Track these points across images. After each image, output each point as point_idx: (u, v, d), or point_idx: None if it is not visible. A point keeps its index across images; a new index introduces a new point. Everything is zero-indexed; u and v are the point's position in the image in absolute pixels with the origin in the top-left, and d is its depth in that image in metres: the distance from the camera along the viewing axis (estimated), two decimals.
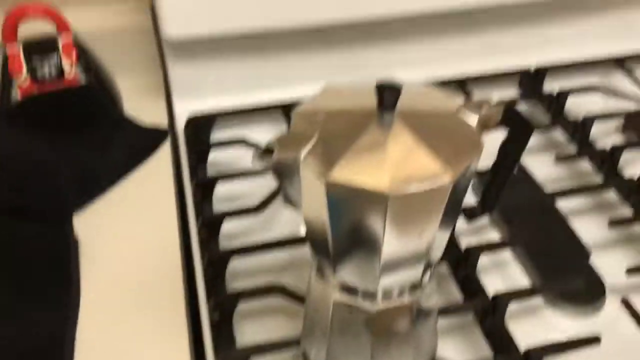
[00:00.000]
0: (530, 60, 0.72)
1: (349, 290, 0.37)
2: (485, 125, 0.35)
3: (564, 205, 0.57)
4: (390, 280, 0.36)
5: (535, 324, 0.50)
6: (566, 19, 0.74)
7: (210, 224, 0.54)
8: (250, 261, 0.52)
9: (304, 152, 0.32)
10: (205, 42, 0.64)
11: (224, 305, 0.48)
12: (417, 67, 0.69)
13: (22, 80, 0.62)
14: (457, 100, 0.35)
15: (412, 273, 0.36)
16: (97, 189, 0.59)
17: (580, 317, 0.50)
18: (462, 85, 0.68)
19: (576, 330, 0.48)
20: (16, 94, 0.62)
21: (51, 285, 0.50)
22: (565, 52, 0.73)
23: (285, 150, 0.32)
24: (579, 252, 0.53)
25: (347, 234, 0.34)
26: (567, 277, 0.52)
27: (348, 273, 0.36)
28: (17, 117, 0.60)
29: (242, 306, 0.48)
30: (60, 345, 0.46)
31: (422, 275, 0.37)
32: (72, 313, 0.48)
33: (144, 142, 0.64)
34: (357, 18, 0.64)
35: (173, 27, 0.61)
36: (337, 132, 0.33)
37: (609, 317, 0.50)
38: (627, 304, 0.48)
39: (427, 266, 0.36)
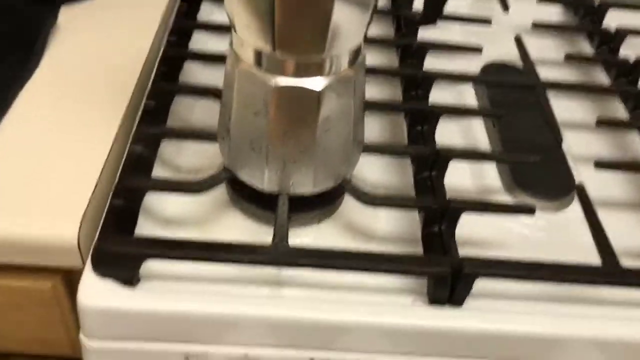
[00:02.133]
0: None
1: (254, 56, 0.35)
2: None
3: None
4: (289, 40, 0.33)
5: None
6: None
7: (180, 31, 0.53)
8: (209, 73, 0.51)
9: None
10: None
11: (161, 96, 0.47)
12: None
13: None
14: None
15: (316, 39, 0.33)
16: None
17: (545, 211, 0.46)
18: None
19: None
20: None
21: (13, 46, 0.51)
22: None
23: None
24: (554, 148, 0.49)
25: None
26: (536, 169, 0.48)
27: (244, 23, 0.34)
28: None
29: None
30: None
31: (327, 45, 0.34)
32: (22, 76, 0.49)
33: None
34: None
35: None
36: None
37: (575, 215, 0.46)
38: (581, 191, 0.43)
39: (333, 37, 0.33)
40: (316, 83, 0.35)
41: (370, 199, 0.41)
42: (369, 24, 0.36)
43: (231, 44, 0.38)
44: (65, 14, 0.57)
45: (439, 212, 0.40)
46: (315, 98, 0.36)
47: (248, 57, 0.36)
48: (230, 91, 0.38)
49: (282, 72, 0.35)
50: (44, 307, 0.45)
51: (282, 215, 0.38)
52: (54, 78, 0.50)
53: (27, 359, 0.50)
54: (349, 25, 0.34)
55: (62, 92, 0.49)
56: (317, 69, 0.35)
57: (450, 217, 0.40)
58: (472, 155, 0.45)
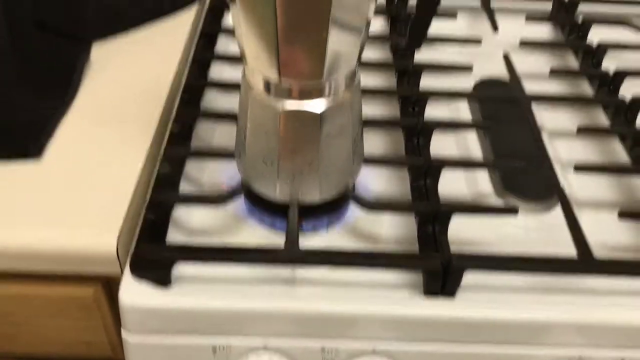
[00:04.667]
0: None
1: (263, 85, 0.41)
2: None
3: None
4: (291, 68, 0.39)
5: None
6: None
7: (201, 62, 0.59)
8: (229, 98, 0.57)
9: None
10: None
11: (186, 120, 0.53)
12: None
13: None
14: None
15: (315, 66, 0.39)
16: (120, 27, 0.66)
17: (530, 213, 0.51)
18: None
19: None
20: None
21: (53, 83, 0.58)
22: None
23: None
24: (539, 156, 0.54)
25: (253, 13, 0.37)
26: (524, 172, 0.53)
27: (254, 56, 0.40)
28: None
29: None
30: (43, 123, 0.53)
31: (325, 71, 0.39)
32: (62, 108, 0.56)
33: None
34: None
35: None
36: None
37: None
38: (560, 192, 0.48)
39: (330, 64, 0.39)
40: (317, 105, 0.41)
41: (371, 205, 0.46)
42: (361, 51, 0.41)
43: (244, 73, 0.43)
44: (96, 51, 0.63)
45: (431, 215, 0.46)
46: (317, 118, 0.41)
47: (258, 84, 0.42)
48: (244, 115, 0.44)
49: (288, 97, 0.41)
50: (86, 312, 0.51)
51: (292, 221, 0.44)
52: (90, 109, 0.56)
53: None
54: (343, 53, 0.39)
55: (98, 121, 0.55)
56: (317, 93, 0.41)
57: (442, 218, 0.45)
58: (461, 163, 0.50)
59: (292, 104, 0.41)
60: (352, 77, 0.42)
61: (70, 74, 0.59)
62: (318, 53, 0.38)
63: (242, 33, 0.39)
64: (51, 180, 0.49)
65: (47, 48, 0.60)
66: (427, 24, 0.41)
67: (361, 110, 0.46)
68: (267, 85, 0.41)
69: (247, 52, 0.41)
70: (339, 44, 0.39)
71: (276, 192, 0.45)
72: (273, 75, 0.40)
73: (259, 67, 0.41)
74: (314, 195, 0.45)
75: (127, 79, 0.60)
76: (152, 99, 0.57)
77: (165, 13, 0.68)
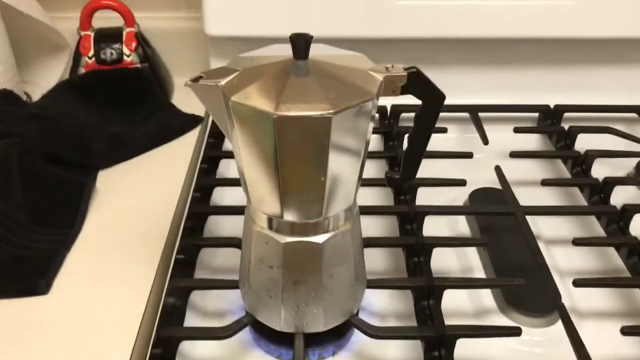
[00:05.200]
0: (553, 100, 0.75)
1: (267, 220, 0.43)
2: (392, 87, 0.40)
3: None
4: (293, 209, 0.41)
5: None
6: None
7: (203, 188, 0.61)
8: (230, 221, 0.59)
9: (224, 81, 0.39)
10: (245, 41, 0.72)
11: (190, 249, 0.54)
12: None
13: (88, 59, 0.74)
14: (369, 63, 0.41)
15: (315, 208, 0.41)
16: (125, 155, 0.68)
17: (532, 327, 0.51)
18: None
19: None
20: (81, 71, 0.74)
21: (60, 217, 0.59)
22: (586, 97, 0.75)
23: (210, 78, 0.39)
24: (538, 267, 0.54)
25: (253, 157, 0.39)
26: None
27: (258, 199, 0.41)
28: (77, 86, 0.73)
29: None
30: (51, 259, 0.54)
31: (324, 211, 0.41)
32: (68, 241, 0.57)
33: (178, 123, 0.73)
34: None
35: (214, 26, 0.70)
36: (257, 71, 0.39)
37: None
38: (562, 309, 0.48)
39: (330, 204, 0.41)
40: (318, 239, 0.42)
41: (376, 333, 0.46)
42: (358, 188, 0.43)
43: (247, 208, 0.45)
44: (102, 178, 0.65)
45: (437, 341, 0.46)
46: (319, 252, 0.43)
47: (262, 221, 0.43)
48: (248, 249, 0.45)
49: (290, 233, 0.42)
50: None
51: (298, 352, 0.44)
52: (95, 240, 0.57)
53: None
54: (341, 194, 0.41)
55: (102, 253, 0.56)
56: (318, 228, 0.42)
57: (448, 343, 0.46)
58: (463, 285, 0.51)
59: (294, 239, 0.42)
60: (350, 210, 0.44)
61: (77, 203, 0.61)
62: (317, 197, 0.40)
63: (245, 179, 0.41)
64: (57, 316, 0.50)
65: (54, 178, 0.62)
66: (419, 158, 0.43)
67: (361, 236, 0.47)
68: (270, 222, 0.43)
69: (251, 196, 0.43)
70: (337, 187, 0.41)
71: (281, 323, 0.45)
72: (276, 214, 0.42)
73: (263, 208, 0.42)
74: (319, 324, 0.45)
75: (131, 207, 0.61)
76: (156, 227, 0.59)
77: (169, 140, 0.71)
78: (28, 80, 0.79)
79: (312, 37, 0.38)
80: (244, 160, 0.40)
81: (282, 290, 0.44)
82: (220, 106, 0.39)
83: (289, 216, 0.41)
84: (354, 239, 0.45)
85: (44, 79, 0.79)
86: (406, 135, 0.64)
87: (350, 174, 0.41)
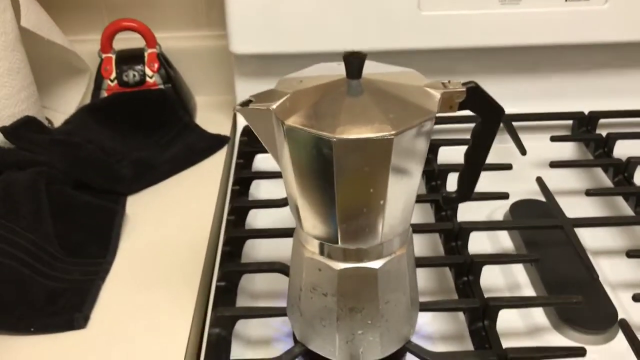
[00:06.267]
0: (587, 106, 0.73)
1: (319, 246, 0.41)
2: (450, 103, 0.38)
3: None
4: (349, 235, 0.39)
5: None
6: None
7: (238, 211, 0.59)
8: (267, 244, 0.57)
9: (275, 104, 0.37)
10: (268, 58, 0.71)
11: (231, 276, 0.52)
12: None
13: (110, 82, 0.72)
14: (423, 79, 0.39)
15: (373, 233, 0.39)
16: (152, 179, 0.67)
17: (591, 344, 0.49)
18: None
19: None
20: (103, 94, 0.73)
21: (92, 246, 0.57)
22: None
23: (261, 102, 0.37)
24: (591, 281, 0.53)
25: (308, 182, 0.38)
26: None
27: (311, 225, 0.40)
28: (100, 110, 0.71)
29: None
30: (86, 291, 0.52)
31: (381, 235, 0.39)
32: (102, 271, 0.55)
33: (205, 144, 0.71)
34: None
35: (239, 44, 0.69)
36: (309, 92, 0.38)
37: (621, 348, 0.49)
38: (625, 325, 0.46)
39: (387, 228, 0.39)
40: (374, 265, 0.41)
41: (434, 358, 0.44)
42: (412, 211, 0.41)
43: (296, 233, 0.43)
44: (131, 204, 0.63)
45: None
46: (374, 277, 0.41)
47: (313, 247, 0.41)
48: (299, 276, 0.43)
49: (344, 259, 0.41)
50: None
51: None
52: (129, 269, 0.56)
53: None
54: (398, 217, 0.39)
55: (138, 282, 0.54)
56: (374, 254, 0.41)
57: None
58: (519, 303, 0.49)
59: (349, 266, 0.41)
60: (405, 234, 0.42)
61: (109, 231, 0.59)
62: (374, 223, 0.38)
63: (296, 202, 0.40)
64: (97, 351, 0.48)
65: (83, 206, 0.61)
66: (477, 176, 0.41)
67: (414, 259, 0.45)
68: (322, 247, 0.41)
69: (304, 222, 0.41)
70: (395, 210, 0.39)
71: (336, 352, 0.43)
72: (331, 241, 0.40)
73: (316, 234, 0.40)
74: (375, 352, 0.44)
75: (163, 233, 0.60)
76: (192, 253, 0.57)
77: (196, 162, 0.69)
78: (48, 105, 0.77)
79: (366, 55, 0.37)
80: (298, 185, 0.38)
81: (336, 318, 0.42)
82: (270, 130, 0.38)
83: (345, 242, 0.39)
84: (409, 263, 0.43)
85: (65, 104, 0.78)
86: (449, 175, 0.63)
87: (408, 196, 0.39)
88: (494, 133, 0.40)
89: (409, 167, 0.38)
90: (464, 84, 0.38)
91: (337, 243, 0.40)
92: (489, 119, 0.39)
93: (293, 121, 0.36)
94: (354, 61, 0.37)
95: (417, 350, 0.44)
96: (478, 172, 0.42)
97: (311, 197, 0.38)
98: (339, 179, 0.36)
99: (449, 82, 0.38)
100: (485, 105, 0.39)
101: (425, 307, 0.48)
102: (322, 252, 0.41)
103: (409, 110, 0.36)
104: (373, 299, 0.42)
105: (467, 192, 0.42)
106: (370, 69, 0.39)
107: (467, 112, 0.68)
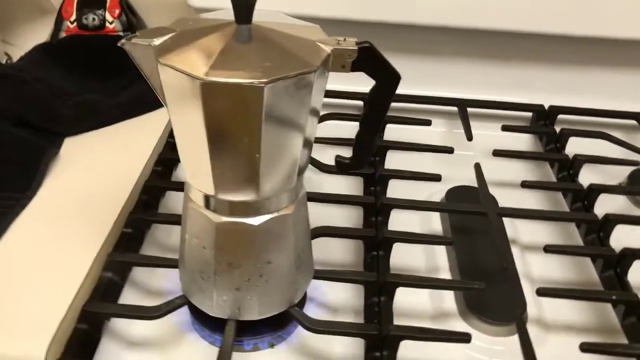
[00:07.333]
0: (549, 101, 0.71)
1: (203, 198, 0.40)
2: (341, 62, 0.37)
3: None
4: (226, 187, 0.38)
5: None
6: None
7: (165, 162, 0.59)
8: None
9: (158, 41, 0.36)
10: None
11: (139, 223, 0.52)
12: None
13: (70, 23, 0.71)
14: (321, 35, 0.37)
15: (250, 186, 0.38)
16: (95, 123, 0.66)
17: (493, 335, 0.48)
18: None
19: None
20: (62, 35, 0.72)
21: (15, 180, 0.57)
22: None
23: (145, 38, 0.36)
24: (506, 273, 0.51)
25: (184, 128, 0.37)
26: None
27: (191, 172, 0.39)
28: (55, 50, 0.70)
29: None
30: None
31: (260, 191, 0.38)
32: (18, 206, 0.55)
33: (154, 97, 0.70)
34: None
35: None
36: (195, 33, 0.36)
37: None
38: (520, 323, 0.45)
39: (267, 184, 0.38)
40: (254, 221, 0.39)
41: (314, 325, 0.43)
42: (303, 169, 0.40)
43: (185, 185, 0.42)
44: (68, 145, 0.63)
45: (379, 339, 0.43)
46: (253, 234, 0.40)
47: (198, 199, 0.40)
48: (184, 227, 0.42)
49: (227, 213, 0.40)
50: None
51: (227, 341, 0.41)
52: (48, 206, 0.55)
53: None
54: (280, 173, 0.38)
55: (53, 219, 0.53)
56: (256, 209, 0.39)
57: (391, 343, 0.43)
58: (418, 282, 0.48)
59: (228, 219, 0.40)
60: (294, 193, 0.41)
61: (35, 168, 0.59)
62: (252, 174, 0.37)
63: (179, 151, 0.39)
64: None
65: (16, 141, 0.60)
66: (371, 144, 0.40)
67: (307, 222, 0.44)
68: (207, 200, 0.40)
69: (186, 169, 0.40)
70: (274, 166, 0.38)
71: (213, 307, 0.43)
72: (209, 192, 0.39)
73: (196, 184, 0.39)
74: (253, 312, 0.43)
75: (91, 176, 0.59)
76: (113, 198, 0.56)
77: (143, 112, 0.68)
78: (12, 42, 0.77)
79: (255, 0, 0.35)
80: (176, 130, 0.37)
81: (214, 272, 0.41)
82: (154, 70, 0.37)
83: (222, 194, 0.38)
84: (298, 225, 0.42)
85: (29, 42, 0.77)
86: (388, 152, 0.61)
87: (290, 152, 0.38)
88: (388, 101, 0.38)
89: (292, 122, 0.36)
90: (357, 43, 0.37)
91: (214, 195, 0.39)
92: (383, 83, 0.38)
93: (167, 59, 0.35)
94: (241, 4, 0.35)
95: (297, 315, 0.43)
96: (372, 139, 0.40)
97: (188, 142, 0.37)
98: (209, 125, 0.35)
99: (344, 39, 0.37)
100: (379, 68, 0.37)
101: (320, 275, 0.47)
102: (207, 205, 0.40)
103: (290, 61, 0.35)
104: (251, 256, 0.41)
105: (361, 158, 0.41)
106: (275, 19, 0.38)
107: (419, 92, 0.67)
